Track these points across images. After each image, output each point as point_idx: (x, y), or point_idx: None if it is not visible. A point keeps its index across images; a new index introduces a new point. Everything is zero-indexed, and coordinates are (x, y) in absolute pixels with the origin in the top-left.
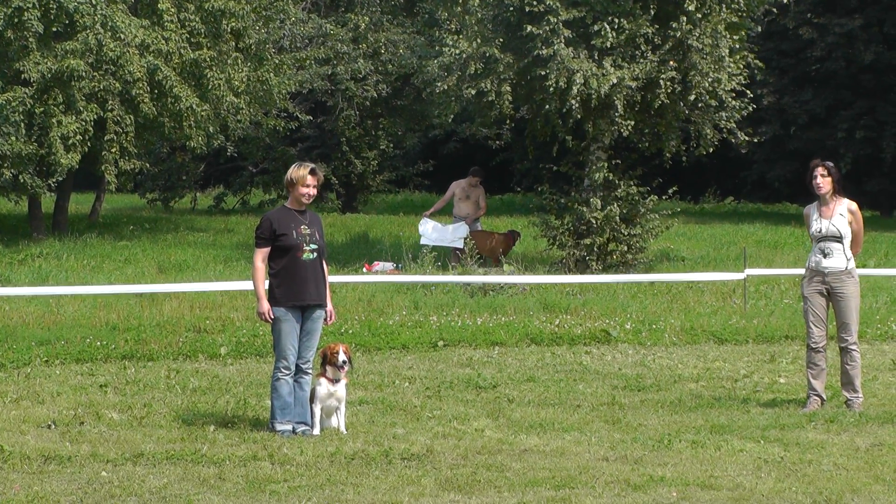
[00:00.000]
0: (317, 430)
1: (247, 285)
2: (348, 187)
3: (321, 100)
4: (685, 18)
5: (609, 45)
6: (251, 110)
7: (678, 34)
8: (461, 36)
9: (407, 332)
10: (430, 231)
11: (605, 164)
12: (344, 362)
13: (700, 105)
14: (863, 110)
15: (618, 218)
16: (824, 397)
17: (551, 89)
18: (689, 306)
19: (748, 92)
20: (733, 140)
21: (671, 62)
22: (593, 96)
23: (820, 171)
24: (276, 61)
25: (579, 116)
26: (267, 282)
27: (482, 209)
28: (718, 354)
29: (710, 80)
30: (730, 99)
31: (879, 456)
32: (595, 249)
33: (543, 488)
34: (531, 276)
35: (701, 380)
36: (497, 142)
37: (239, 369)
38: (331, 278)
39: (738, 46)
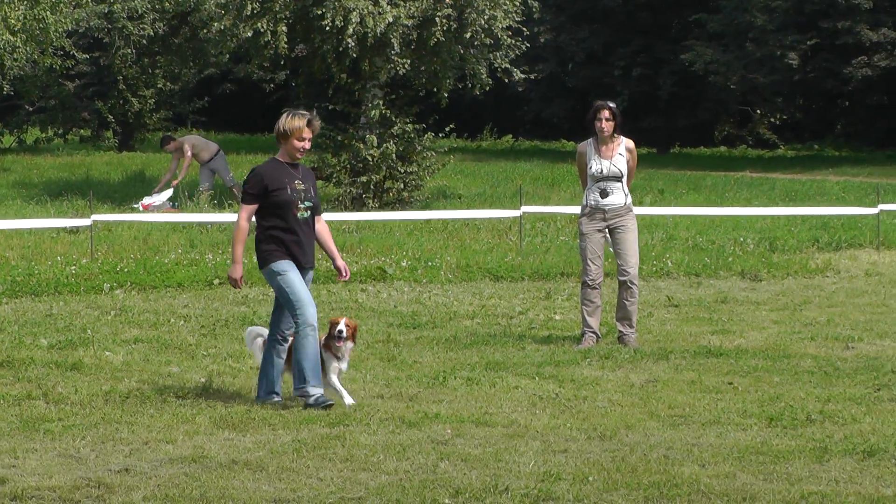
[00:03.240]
0: (348, 399)
1: (22, 224)
2: (125, 125)
3: (98, 37)
4: None
5: None
6: (28, 49)
7: None
8: None
9: (182, 270)
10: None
11: (381, 102)
12: (340, 333)
13: (476, 43)
14: (640, 48)
15: (394, 155)
16: (599, 334)
17: (328, 28)
18: (465, 244)
19: (524, 30)
20: (507, 80)
21: (447, 0)
22: (369, 35)
23: (606, 113)
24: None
25: (355, 55)
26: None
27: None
28: (494, 291)
29: (485, 17)
30: (505, 37)
31: (654, 392)
32: (371, 187)
33: (318, 426)
34: None
35: (476, 317)
36: (271, 84)
37: (14, 308)
38: (107, 216)
39: None
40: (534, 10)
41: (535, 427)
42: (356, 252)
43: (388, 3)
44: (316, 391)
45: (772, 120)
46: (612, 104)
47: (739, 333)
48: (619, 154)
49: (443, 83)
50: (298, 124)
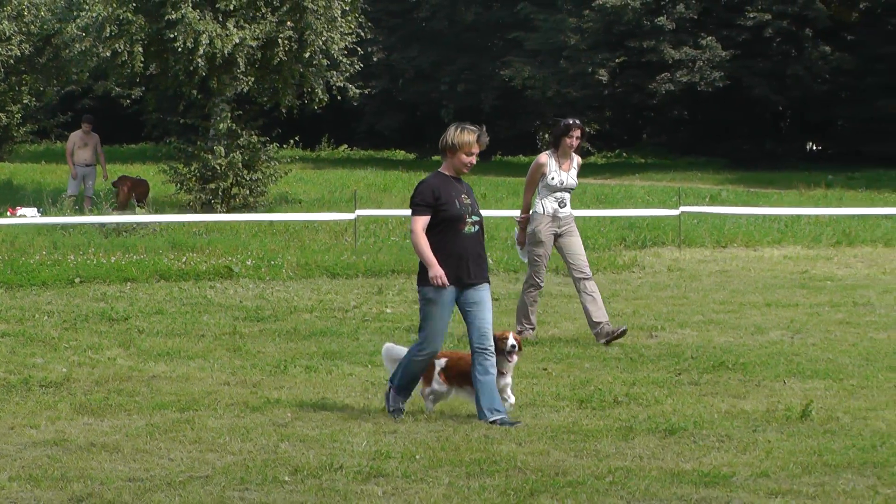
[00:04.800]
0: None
1: None
2: None
3: None
4: None
5: (232, 8)
6: None
7: None
8: (98, 0)
9: (46, 270)
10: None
11: (229, 116)
12: (513, 347)
13: (315, 62)
14: (464, 65)
15: (240, 164)
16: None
17: (179, 49)
18: (304, 244)
19: (359, 49)
20: (340, 97)
21: (289, 22)
22: (218, 55)
23: (579, 132)
24: None
25: (205, 73)
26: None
27: (101, 156)
28: (331, 287)
29: (323, 39)
30: (342, 57)
31: None
32: (220, 193)
33: (170, 411)
34: (161, 216)
35: (315, 311)
36: (127, 100)
37: None
38: None
39: (349, 8)
40: (366, 31)
41: (368, 410)
42: (205, 252)
43: (234, 26)
44: (401, 403)
45: (585, 130)
46: (580, 124)
47: (554, 324)
48: (573, 168)
49: (284, 99)
50: (468, 139)
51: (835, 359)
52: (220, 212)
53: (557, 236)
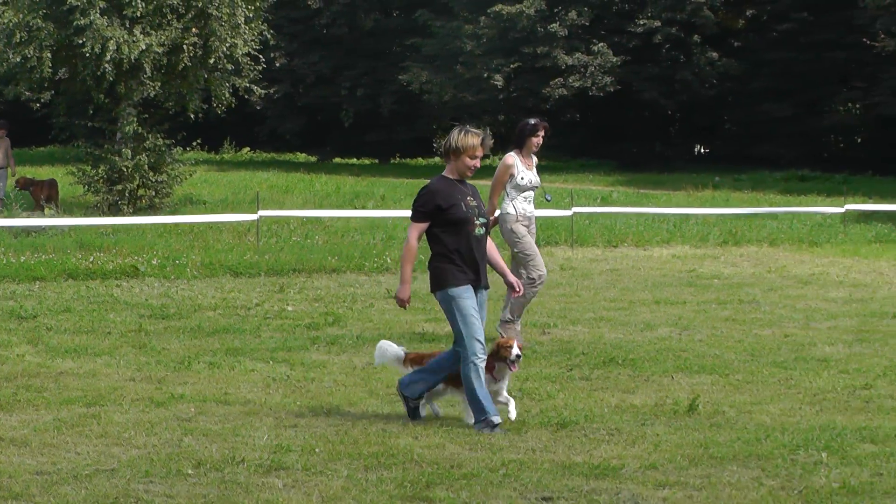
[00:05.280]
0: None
1: None
2: None
3: None
4: None
5: (139, 14)
6: None
7: (200, 4)
8: (8, 7)
9: None
10: None
11: (135, 120)
12: (517, 357)
13: (219, 67)
14: (364, 70)
15: (146, 167)
16: None
17: (88, 55)
18: (208, 244)
19: (261, 57)
20: (247, 96)
21: (194, 29)
22: (125, 60)
23: (544, 132)
24: None
25: (112, 78)
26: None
27: (11, 160)
28: (234, 286)
29: (227, 45)
30: (245, 62)
31: (373, 373)
32: (126, 194)
33: (77, 406)
34: (69, 218)
35: (218, 308)
36: (37, 104)
37: None
38: None
39: (252, 15)
40: (269, 37)
41: (269, 405)
42: (112, 252)
43: (141, 33)
44: (497, 419)
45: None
46: (546, 123)
47: None
48: (535, 167)
49: (189, 103)
50: (472, 142)
51: (721, 355)
52: (127, 213)
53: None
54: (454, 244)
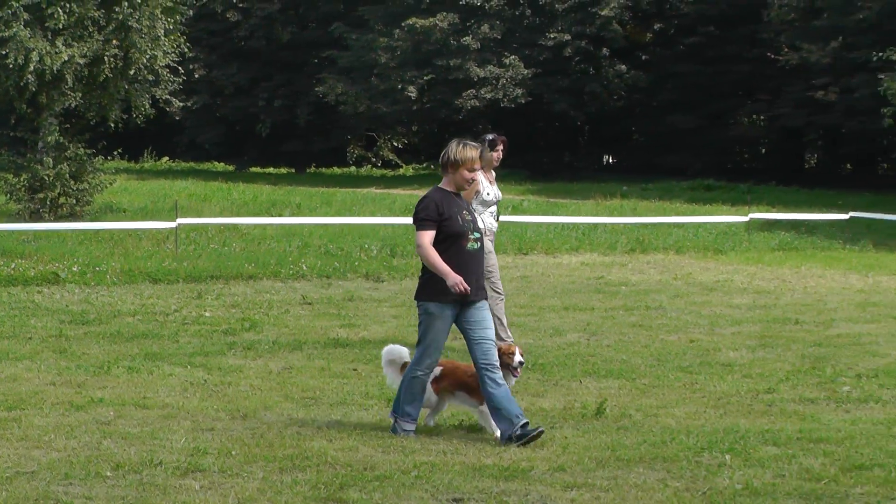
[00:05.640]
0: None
1: None
2: None
3: None
4: (127, 3)
5: (61, 26)
6: None
7: (121, 16)
8: None
9: None
10: None
11: (57, 130)
12: (520, 363)
13: (139, 79)
14: (281, 82)
15: (67, 175)
16: None
17: (11, 66)
18: (128, 251)
19: (180, 69)
20: (168, 109)
21: (114, 41)
22: (47, 71)
23: (503, 146)
24: None
25: (35, 89)
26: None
27: None
28: (153, 292)
29: (147, 56)
30: (165, 73)
31: (289, 378)
32: (48, 202)
33: None
34: None
35: (137, 314)
36: None
37: None
38: None
39: (172, 28)
40: (186, 50)
41: (187, 409)
42: (33, 259)
43: (63, 44)
44: (409, 427)
45: (394, 144)
46: (504, 137)
47: (364, 327)
48: (495, 182)
49: (110, 114)
50: (471, 155)
51: (628, 359)
52: (49, 220)
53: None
54: (447, 258)
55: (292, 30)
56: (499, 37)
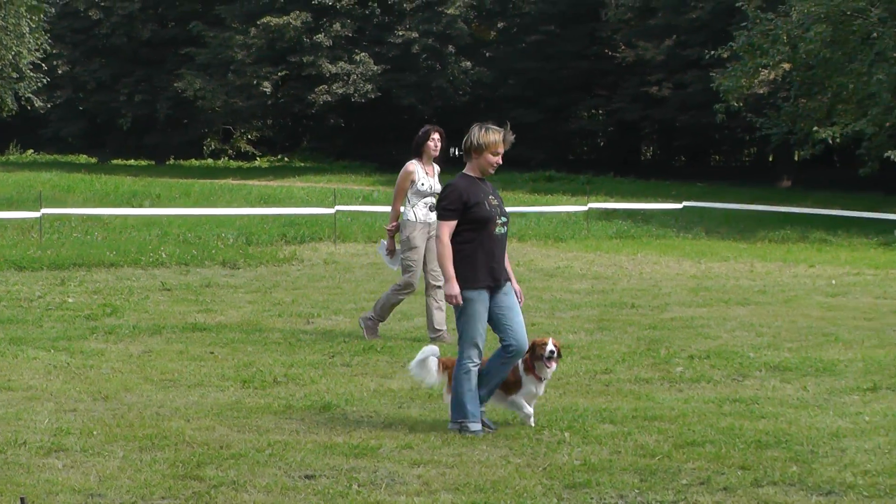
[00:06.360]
0: (532, 420)
1: None
2: None
3: None
4: None
5: None
6: None
7: None
8: None
9: None
10: None
11: None
12: (552, 353)
13: (3, 75)
14: (141, 77)
15: None
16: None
17: None
18: None
19: (43, 66)
20: (29, 107)
21: None
22: None
23: (438, 136)
24: None
25: None
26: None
27: None
28: (18, 279)
29: (12, 53)
30: (28, 70)
31: (149, 361)
32: None
33: None
34: None
35: (2, 300)
36: None
37: None
38: None
39: (35, 26)
40: (48, 48)
41: (50, 391)
42: None
43: None
44: (475, 427)
45: (249, 137)
46: (440, 128)
47: (220, 312)
48: (436, 174)
49: None
50: (495, 138)
51: None
52: None
53: (428, 241)
54: (476, 243)
55: (152, 27)
56: (350, 35)
